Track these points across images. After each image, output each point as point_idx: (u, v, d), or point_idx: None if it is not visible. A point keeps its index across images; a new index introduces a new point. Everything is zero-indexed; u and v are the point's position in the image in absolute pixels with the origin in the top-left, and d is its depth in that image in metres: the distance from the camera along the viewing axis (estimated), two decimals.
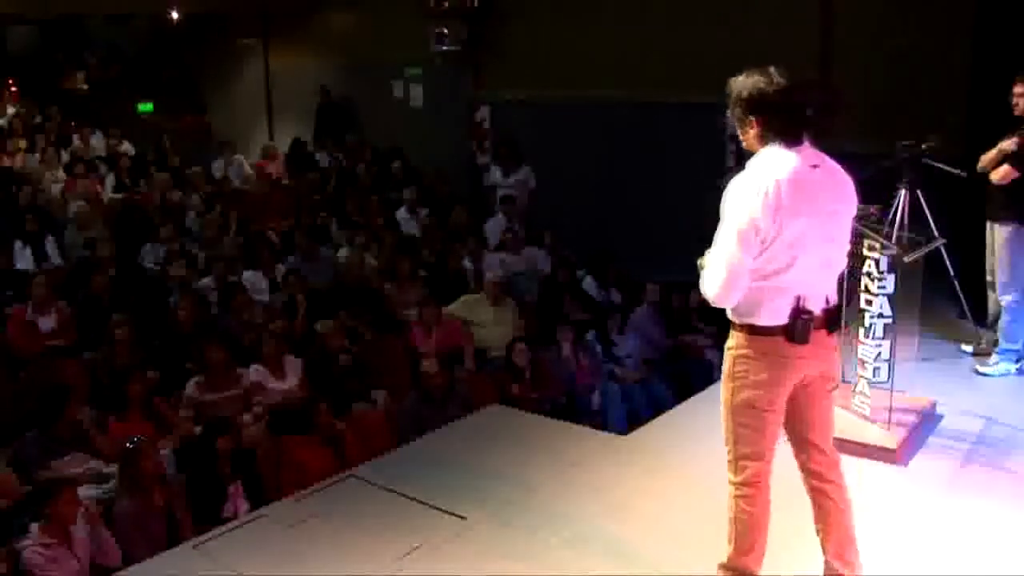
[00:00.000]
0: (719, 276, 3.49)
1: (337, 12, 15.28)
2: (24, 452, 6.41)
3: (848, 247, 3.78)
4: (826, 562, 3.82)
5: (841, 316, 5.53)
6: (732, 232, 3.45)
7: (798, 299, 3.50)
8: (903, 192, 6.35)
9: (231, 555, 4.52)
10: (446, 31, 13.18)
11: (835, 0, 10.16)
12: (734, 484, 3.71)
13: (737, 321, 3.60)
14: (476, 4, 13.10)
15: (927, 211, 6.35)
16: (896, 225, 6.12)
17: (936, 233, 6.19)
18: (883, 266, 5.37)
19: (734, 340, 3.63)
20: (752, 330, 3.56)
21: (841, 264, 3.75)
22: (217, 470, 6.31)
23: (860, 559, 3.82)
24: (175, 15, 15.83)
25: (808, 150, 3.55)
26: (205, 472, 6.29)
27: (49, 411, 6.64)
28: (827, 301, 3.62)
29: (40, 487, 5.51)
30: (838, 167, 3.66)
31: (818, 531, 3.82)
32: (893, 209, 6.29)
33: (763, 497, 3.70)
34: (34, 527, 5.17)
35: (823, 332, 3.61)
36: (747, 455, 3.66)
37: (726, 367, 3.67)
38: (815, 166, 3.53)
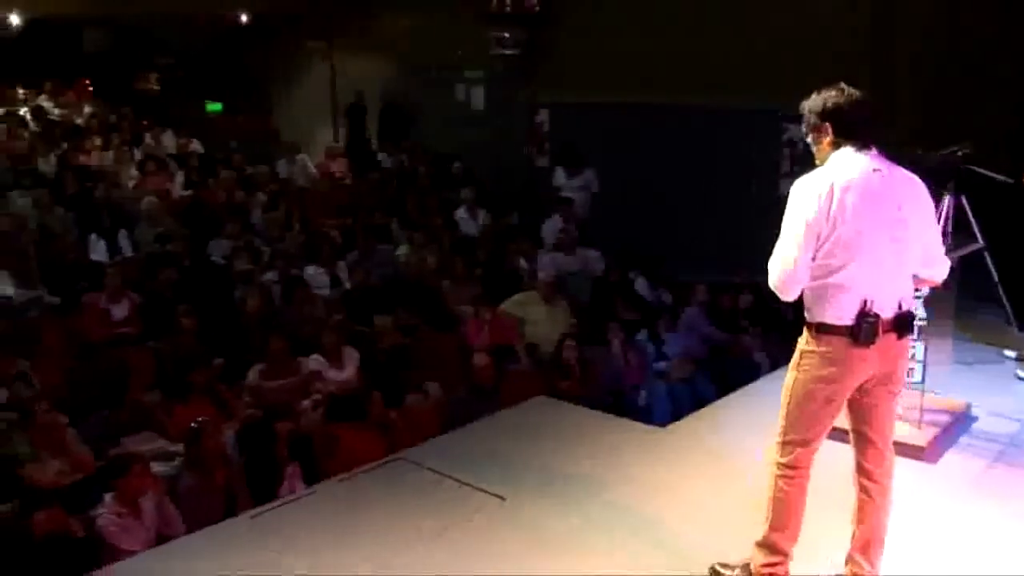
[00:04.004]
0: (777, 269, 3.75)
1: (401, 15, 15.60)
2: (95, 431, 6.82)
3: (935, 248, 3.94)
4: (849, 554, 4.00)
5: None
6: (790, 228, 3.70)
7: (864, 301, 3.66)
8: (947, 198, 6.46)
9: (284, 527, 4.82)
10: (507, 35, 13.46)
11: (889, 7, 10.26)
12: (777, 464, 3.91)
13: (808, 319, 3.80)
14: (537, 8, 13.35)
15: (971, 217, 6.45)
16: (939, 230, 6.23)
17: (981, 239, 6.29)
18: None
19: (804, 337, 3.82)
20: (820, 328, 3.74)
21: (922, 265, 3.91)
22: (275, 453, 6.61)
23: (881, 562, 3.99)
24: (243, 17, 16.26)
25: (875, 156, 3.76)
26: (264, 455, 6.60)
27: (117, 394, 7.06)
28: (899, 306, 3.76)
29: (114, 462, 5.87)
30: (907, 174, 3.83)
31: (852, 523, 4.00)
32: (937, 214, 6.39)
33: (802, 480, 3.90)
34: (107, 498, 5.54)
35: (892, 335, 3.75)
36: (796, 441, 3.86)
37: (793, 359, 3.87)
38: (877, 170, 3.72)
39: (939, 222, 6.20)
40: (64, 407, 6.84)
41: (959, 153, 6.17)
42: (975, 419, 6.00)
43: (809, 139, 3.91)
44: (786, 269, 3.72)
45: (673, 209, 11.87)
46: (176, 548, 4.93)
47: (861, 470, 3.97)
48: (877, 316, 3.68)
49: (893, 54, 10.15)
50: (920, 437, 5.46)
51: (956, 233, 6.19)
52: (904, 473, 5.16)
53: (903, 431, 5.50)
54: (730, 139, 11.34)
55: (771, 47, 10.57)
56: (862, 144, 3.76)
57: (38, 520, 5.34)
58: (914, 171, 4.29)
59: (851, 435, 3.99)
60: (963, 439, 5.74)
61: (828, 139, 3.81)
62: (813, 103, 3.85)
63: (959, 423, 5.84)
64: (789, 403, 3.87)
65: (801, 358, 3.82)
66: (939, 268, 4.02)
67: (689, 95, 11.54)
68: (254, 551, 4.59)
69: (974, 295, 6.58)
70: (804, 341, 3.83)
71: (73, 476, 6.27)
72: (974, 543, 4.58)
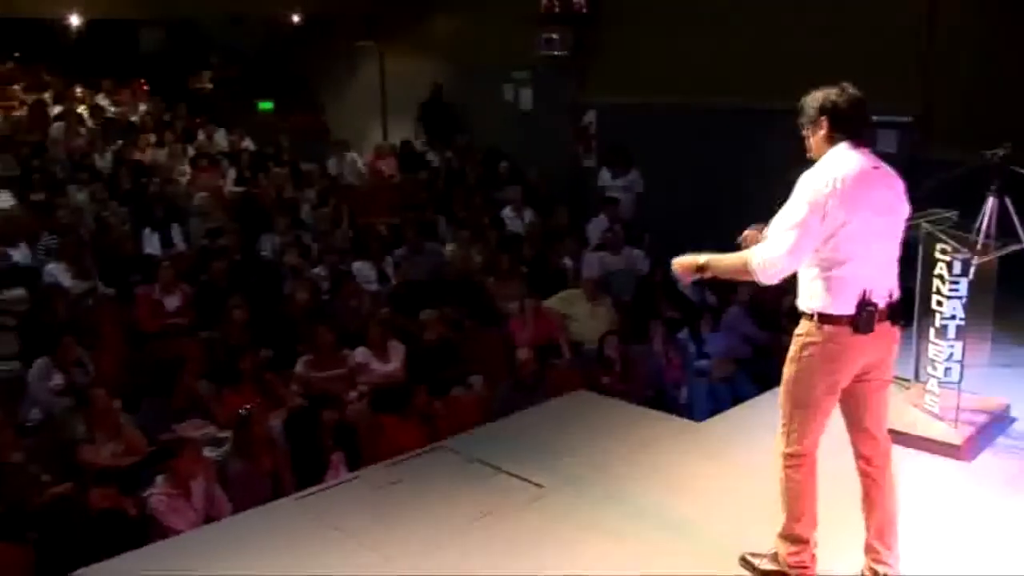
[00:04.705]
0: (776, 248, 3.81)
1: (449, 16, 15.75)
2: (148, 416, 7.06)
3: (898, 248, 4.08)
4: (867, 543, 4.08)
5: (914, 309, 5.80)
6: (797, 218, 3.77)
7: (864, 291, 3.79)
8: (991, 199, 6.45)
9: (327, 509, 4.99)
10: (555, 36, 13.56)
11: (938, 10, 10.25)
12: (783, 455, 4.02)
13: (807, 310, 3.90)
14: (584, 10, 13.44)
15: (1015, 218, 6.44)
16: (983, 232, 6.23)
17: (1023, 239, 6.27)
18: (956, 269, 5.51)
19: (803, 327, 3.92)
20: (821, 318, 3.85)
21: (896, 261, 4.05)
22: (321, 441, 6.78)
23: (898, 542, 4.06)
24: (295, 17, 16.50)
25: (868, 153, 3.89)
26: (310, 442, 6.78)
27: (169, 381, 7.30)
28: (890, 295, 3.91)
29: (165, 445, 6.09)
30: (892, 171, 3.97)
31: (863, 511, 4.09)
32: (980, 216, 6.40)
33: (808, 468, 4.00)
34: (159, 479, 5.78)
35: (887, 323, 3.90)
36: (798, 430, 3.96)
37: (792, 350, 3.96)
38: (877, 168, 3.87)
39: (983, 223, 6.24)
40: (118, 393, 7.11)
41: (999, 154, 6.18)
42: (1014, 420, 5.98)
43: (805, 133, 4.01)
44: (779, 252, 3.79)
45: (719, 210, 11.89)
46: (224, 526, 5.14)
47: (860, 457, 4.07)
48: (876, 305, 3.81)
49: (939, 57, 10.15)
50: (955, 436, 5.48)
51: (999, 234, 6.19)
52: (939, 471, 5.25)
53: (938, 430, 5.55)
54: (778, 141, 11.33)
55: (818, 49, 10.57)
56: (856, 141, 3.88)
57: (94, 498, 5.58)
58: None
59: (845, 426, 4.09)
60: (1001, 439, 5.73)
61: (823, 133, 3.92)
62: (812, 98, 3.97)
63: (997, 423, 5.83)
64: (792, 393, 3.97)
65: (801, 349, 3.91)
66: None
67: (735, 96, 11.57)
68: (299, 531, 4.76)
69: (1015, 296, 6.56)
70: (804, 331, 3.91)
71: (126, 459, 6.53)
72: (1008, 541, 4.60)
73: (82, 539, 5.23)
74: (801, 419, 3.95)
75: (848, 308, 3.80)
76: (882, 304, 3.85)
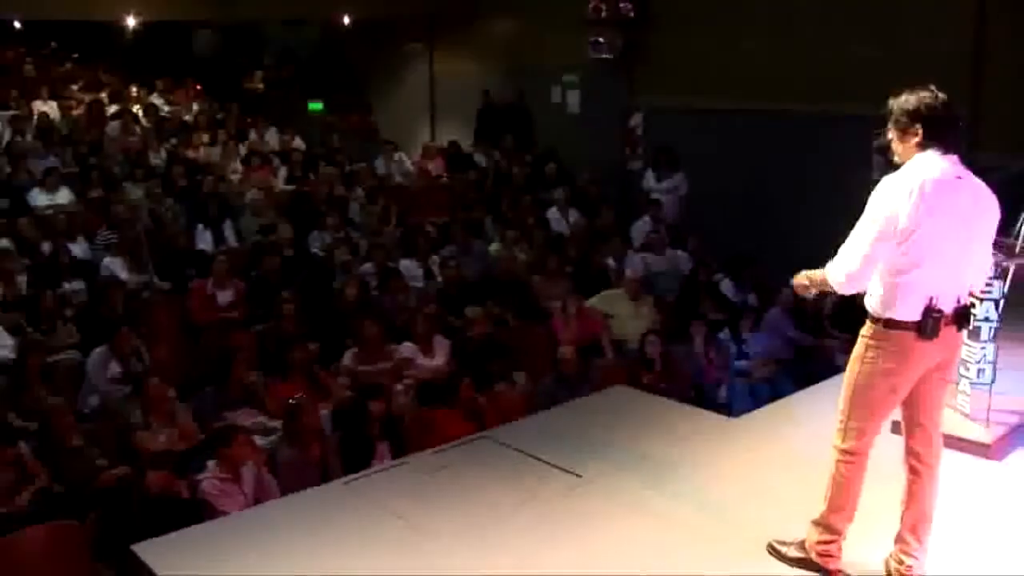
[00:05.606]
0: (851, 262, 3.89)
1: (499, 19, 15.92)
2: (201, 405, 7.30)
3: (987, 258, 4.17)
4: (899, 534, 4.16)
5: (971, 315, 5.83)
6: (872, 223, 3.83)
7: (931, 298, 3.81)
8: None
9: (375, 492, 5.16)
10: (603, 39, 13.69)
11: (986, 15, 10.26)
12: (838, 449, 4.09)
13: (874, 313, 3.95)
14: (632, 14, 13.56)
15: None
16: (1023, 235, 6.26)
17: None
18: (990, 271, 5.58)
19: (869, 329, 3.98)
20: (887, 323, 3.89)
21: (976, 272, 4.08)
22: (367, 432, 6.97)
23: (929, 541, 4.13)
24: (346, 20, 16.74)
25: (955, 162, 3.89)
26: (357, 433, 6.96)
27: (222, 372, 7.54)
28: (958, 301, 3.93)
29: (217, 432, 6.32)
30: (981, 183, 3.96)
31: (901, 504, 4.17)
32: (1021, 220, 6.43)
33: (860, 465, 4.08)
34: (211, 464, 6.00)
35: (952, 328, 3.93)
36: (856, 428, 4.03)
37: (857, 350, 4.02)
38: (959, 177, 3.86)
39: (1021, 226, 6.26)
40: (173, 382, 7.35)
41: None
42: None
43: (891, 136, 3.98)
44: (863, 263, 3.86)
45: (764, 213, 11.97)
46: (272, 507, 5.35)
47: (911, 452, 4.12)
48: (941, 312, 3.84)
49: (988, 62, 10.15)
50: (986, 435, 5.49)
51: None
52: (969, 470, 5.28)
53: (968, 429, 5.57)
54: (821, 144, 11.39)
55: (866, 53, 10.61)
56: (947, 149, 3.86)
57: (150, 481, 5.80)
58: (997, 180, 4.42)
59: (902, 420, 4.16)
60: None
61: (916, 140, 3.87)
62: (904, 103, 3.91)
63: None
64: (852, 392, 4.03)
65: (866, 350, 3.97)
66: (984, 278, 4.29)
67: (780, 100, 11.64)
68: (346, 512, 4.94)
69: None
70: (869, 334, 3.96)
71: (180, 444, 6.77)
72: None
73: (137, 519, 5.45)
74: (859, 418, 4.02)
75: (914, 314, 3.83)
76: (948, 310, 3.86)
